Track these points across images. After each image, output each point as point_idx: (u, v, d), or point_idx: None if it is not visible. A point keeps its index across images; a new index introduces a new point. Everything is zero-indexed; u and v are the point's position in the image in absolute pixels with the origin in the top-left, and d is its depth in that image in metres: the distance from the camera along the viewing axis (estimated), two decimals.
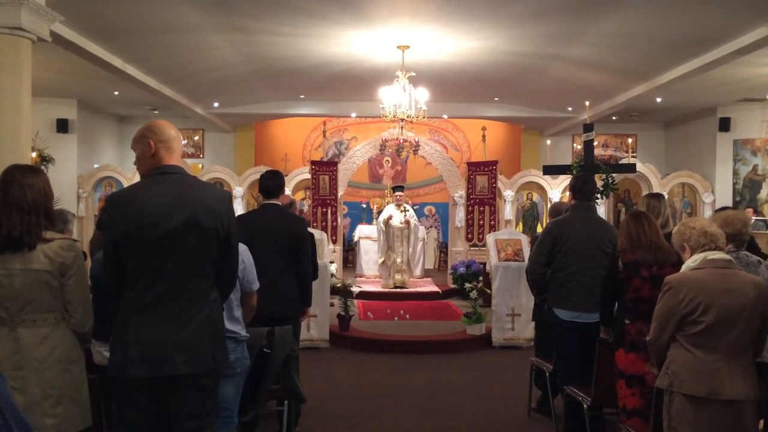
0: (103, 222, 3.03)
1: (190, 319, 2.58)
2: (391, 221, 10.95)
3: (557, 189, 11.77)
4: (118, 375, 2.56)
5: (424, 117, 8.96)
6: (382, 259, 11.18)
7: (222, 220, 2.66)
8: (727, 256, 2.98)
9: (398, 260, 10.94)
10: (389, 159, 15.92)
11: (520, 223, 12.10)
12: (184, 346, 2.55)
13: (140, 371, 2.53)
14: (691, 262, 2.99)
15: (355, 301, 8.39)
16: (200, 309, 2.61)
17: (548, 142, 13.26)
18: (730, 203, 11.39)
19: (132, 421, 2.60)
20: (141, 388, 2.55)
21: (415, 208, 13.59)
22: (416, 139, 10.42)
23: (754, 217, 8.98)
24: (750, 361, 2.91)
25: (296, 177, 11.82)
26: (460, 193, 11.40)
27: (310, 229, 5.06)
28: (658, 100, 11.29)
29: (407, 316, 8.80)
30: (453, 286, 9.61)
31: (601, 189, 8.58)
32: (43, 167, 8.93)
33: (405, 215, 11.03)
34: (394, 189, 11.63)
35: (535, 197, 12.22)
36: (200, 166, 13.86)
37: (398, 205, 11.16)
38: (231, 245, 2.74)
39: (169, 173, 2.66)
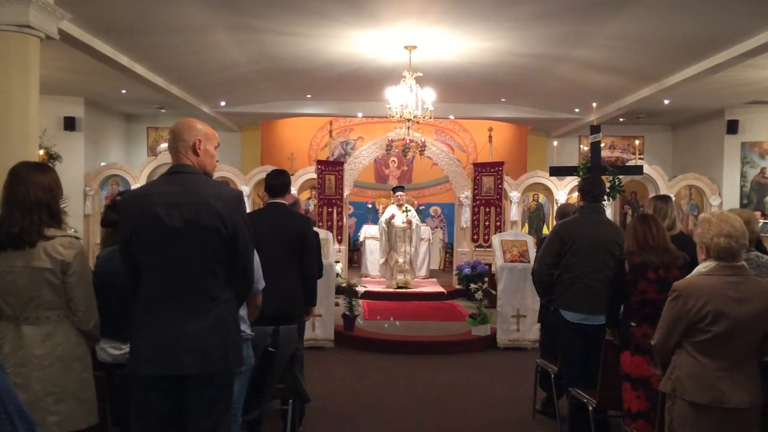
0: (117, 220, 3.09)
1: (199, 319, 2.58)
2: (393, 220, 10.94)
3: (563, 190, 11.74)
4: (132, 372, 2.60)
5: (430, 117, 8.94)
6: (384, 259, 11.18)
7: (224, 220, 2.61)
8: (740, 262, 2.89)
9: (400, 260, 10.92)
10: (395, 159, 15.92)
11: (526, 225, 12.06)
12: (192, 347, 2.55)
13: (150, 370, 2.56)
14: (701, 267, 2.93)
15: (360, 301, 8.37)
16: (209, 309, 2.61)
17: (555, 143, 13.21)
18: (737, 206, 11.32)
19: (147, 418, 2.62)
20: (154, 385, 2.58)
21: (420, 208, 13.58)
22: (423, 140, 10.39)
23: (762, 220, 8.92)
24: (755, 368, 2.86)
25: (302, 176, 11.82)
26: (466, 194, 11.38)
27: (315, 229, 5.06)
28: (666, 102, 11.24)
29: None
30: (458, 286, 9.61)
31: (608, 191, 8.56)
32: (50, 165, 8.95)
33: (407, 215, 11.02)
34: (395, 189, 11.59)
35: (541, 198, 12.18)
36: None
37: (399, 206, 11.15)
38: (239, 246, 2.67)
39: (179, 173, 2.69)
